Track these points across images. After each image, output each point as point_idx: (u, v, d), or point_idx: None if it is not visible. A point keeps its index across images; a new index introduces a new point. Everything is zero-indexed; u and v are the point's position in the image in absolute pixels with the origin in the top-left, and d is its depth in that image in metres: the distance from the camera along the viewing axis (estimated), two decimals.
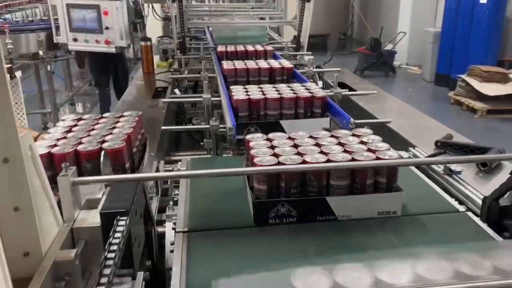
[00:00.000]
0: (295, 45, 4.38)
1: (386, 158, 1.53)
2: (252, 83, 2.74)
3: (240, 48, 3.47)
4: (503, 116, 7.28)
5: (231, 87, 2.46)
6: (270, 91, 2.35)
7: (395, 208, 1.55)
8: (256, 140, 1.67)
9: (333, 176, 1.52)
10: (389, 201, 1.55)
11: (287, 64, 2.96)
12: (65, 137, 1.73)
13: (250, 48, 3.47)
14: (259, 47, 3.49)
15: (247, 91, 2.35)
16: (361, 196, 1.53)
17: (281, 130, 2.11)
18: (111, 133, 1.78)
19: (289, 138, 1.70)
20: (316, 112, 2.30)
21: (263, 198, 1.52)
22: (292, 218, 1.51)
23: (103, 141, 1.69)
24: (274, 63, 2.96)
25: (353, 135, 1.73)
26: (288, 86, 2.44)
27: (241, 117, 2.26)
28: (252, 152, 1.57)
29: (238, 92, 2.34)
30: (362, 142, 1.65)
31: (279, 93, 2.30)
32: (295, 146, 1.62)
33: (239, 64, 2.89)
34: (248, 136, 1.71)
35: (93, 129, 1.83)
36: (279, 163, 1.48)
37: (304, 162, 1.49)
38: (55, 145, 1.65)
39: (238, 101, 2.25)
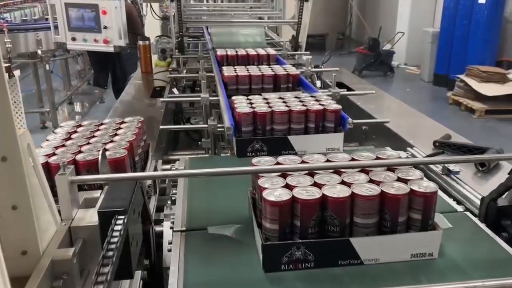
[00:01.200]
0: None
1: (421, 191, 1.32)
2: (255, 90, 2.59)
3: (242, 52, 3.24)
4: (502, 116, 7.29)
5: (233, 97, 2.23)
6: (277, 103, 2.11)
7: (432, 250, 1.34)
8: (265, 166, 1.47)
9: (358, 213, 1.30)
10: (424, 241, 1.34)
11: (292, 70, 2.76)
12: (63, 145, 1.66)
13: (252, 52, 3.25)
14: (262, 51, 3.27)
15: (251, 103, 2.12)
16: (391, 236, 1.32)
17: (289, 146, 2.01)
18: (112, 141, 1.71)
19: (302, 162, 1.49)
20: (328, 127, 2.07)
21: (275, 239, 1.31)
22: (309, 263, 1.30)
23: (104, 150, 1.60)
24: (279, 69, 2.76)
25: (377, 158, 1.51)
26: (297, 97, 2.21)
27: (244, 133, 2.03)
28: (261, 182, 1.37)
29: (242, 104, 2.10)
30: (390, 169, 1.44)
31: (287, 105, 2.06)
32: (311, 173, 1.41)
33: (240, 71, 2.70)
34: (255, 161, 1.51)
35: (93, 136, 1.76)
36: (293, 198, 1.28)
37: (323, 195, 1.28)
38: (53, 154, 1.58)
39: (242, 114, 2.01)
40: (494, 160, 2.01)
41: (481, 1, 8.48)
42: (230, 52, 3.25)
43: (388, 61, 10.43)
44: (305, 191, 1.30)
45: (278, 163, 1.48)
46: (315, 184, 1.34)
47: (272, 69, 2.75)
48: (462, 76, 7.91)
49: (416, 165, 1.99)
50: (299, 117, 2.03)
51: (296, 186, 1.32)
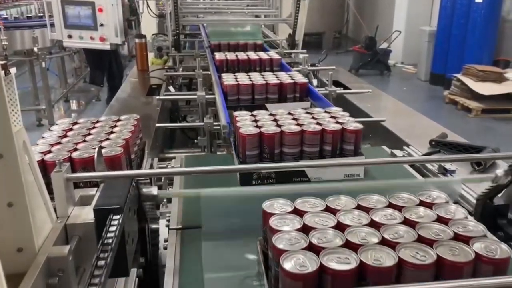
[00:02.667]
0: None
1: (489, 256, 0.99)
2: (258, 101, 2.36)
3: (242, 56, 3.00)
4: (498, 116, 7.31)
5: (235, 113, 1.95)
6: (286, 120, 1.82)
7: None
8: (280, 215, 1.16)
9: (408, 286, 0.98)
10: None
11: (299, 78, 2.48)
12: (59, 143, 1.66)
13: (253, 56, 3.00)
14: (264, 55, 3.03)
15: (256, 121, 1.83)
16: None
17: (302, 173, 1.77)
18: (108, 139, 1.70)
19: (327, 208, 1.20)
20: (347, 149, 1.78)
21: None
22: None
23: (100, 147, 1.59)
24: (285, 77, 2.47)
25: (422, 203, 1.24)
26: (308, 113, 1.93)
27: (249, 157, 1.74)
28: (276, 240, 1.05)
29: (245, 123, 1.81)
30: (440, 219, 1.14)
31: (299, 124, 1.77)
32: (339, 226, 1.11)
33: (242, 79, 2.44)
34: (266, 205, 1.21)
35: (89, 134, 1.75)
36: (321, 267, 0.96)
37: (362, 263, 0.97)
38: (49, 151, 1.57)
39: (246, 136, 1.72)
40: (490, 159, 2.02)
41: (478, 0, 8.49)
42: (230, 56, 3.02)
43: (384, 60, 10.44)
44: (337, 256, 0.99)
45: (296, 209, 1.20)
46: (348, 244, 1.03)
47: (277, 77, 2.49)
48: (458, 75, 7.92)
49: (412, 164, 2.02)
50: (313, 138, 1.73)
51: (323, 248, 1.01)
